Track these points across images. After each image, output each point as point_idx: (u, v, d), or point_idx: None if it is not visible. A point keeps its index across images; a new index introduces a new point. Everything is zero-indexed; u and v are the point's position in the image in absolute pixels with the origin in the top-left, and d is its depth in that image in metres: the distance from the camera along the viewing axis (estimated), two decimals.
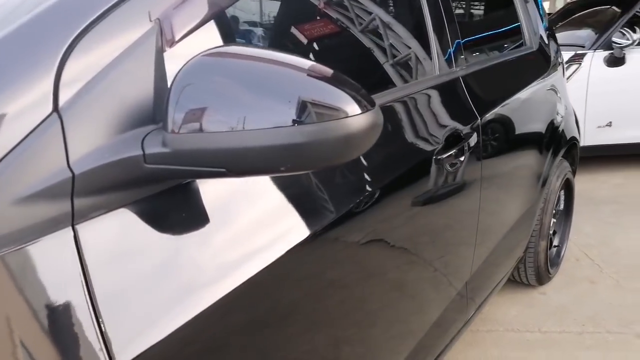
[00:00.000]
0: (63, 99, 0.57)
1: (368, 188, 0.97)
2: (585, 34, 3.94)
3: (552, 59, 2.19)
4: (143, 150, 0.59)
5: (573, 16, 4.41)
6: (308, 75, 0.58)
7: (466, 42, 1.50)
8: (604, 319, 2.05)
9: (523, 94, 1.79)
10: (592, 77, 3.60)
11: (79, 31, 0.61)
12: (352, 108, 0.57)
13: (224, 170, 0.58)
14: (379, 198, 0.99)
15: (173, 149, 0.58)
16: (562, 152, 2.17)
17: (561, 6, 5.68)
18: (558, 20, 4.38)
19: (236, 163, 0.58)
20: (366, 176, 0.98)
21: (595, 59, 3.61)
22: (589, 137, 3.61)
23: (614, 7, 3.98)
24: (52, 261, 0.55)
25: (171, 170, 0.60)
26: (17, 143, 0.54)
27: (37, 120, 0.55)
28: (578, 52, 3.65)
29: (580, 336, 1.96)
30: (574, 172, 2.44)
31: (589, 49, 3.67)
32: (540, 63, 2.09)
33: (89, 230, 0.57)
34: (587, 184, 3.44)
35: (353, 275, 0.95)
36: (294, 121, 0.55)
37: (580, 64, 3.61)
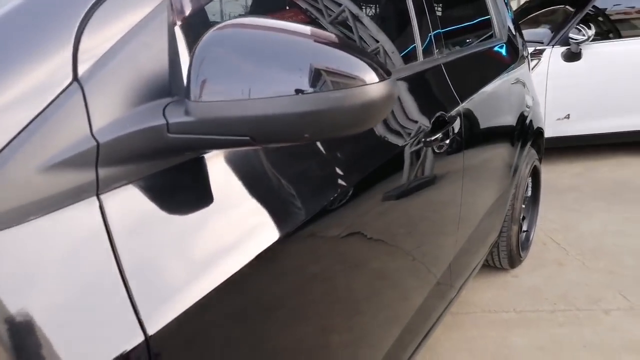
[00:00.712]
0: (82, 68, 0.57)
1: (358, 175, 0.97)
2: (542, 31, 4.12)
3: (520, 50, 2.29)
4: (166, 120, 0.59)
5: (530, 15, 4.60)
6: (327, 44, 0.60)
7: (445, 33, 1.55)
8: (573, 297, 2.15)
9: (495, 84, 1.86)
10: (551, 72, 3.76)
11: (92, 2, 0.60)
12: (370, 76, 0.59)
13: (248, 138, 0.59)
14: (371, 183, 1.01)
15: (197, 118, 0.58)
16: (530, 141, 2.27)
17: (515, 6, 5.93)
18: (516, 19, 4.55)
19: (260, 130, 0.59)
20: (358, 162, 0.99)
21: (554, 54, 3.78)
22: (548, 129, 3.75)
23: (567, 7, 4.18)
24: (80, 230, 0.54)
25: (194, 140, 0.60)
26: (40, 111, 0.53)
27: (58, 89, 0.55)
28: (537, 47, 3.81)
29: (553, 314, 2.05)
30: (540, 160, 2.55)
31: (547, 45, 3.83)
32: (510, 54, 2.18)
33: (113, 199, 0.57)
34: (548, 174, 3.59)
35: (354, 265, 0.97)
36: (312, 90, 0.57)
37: (539, 59, 3.77)
